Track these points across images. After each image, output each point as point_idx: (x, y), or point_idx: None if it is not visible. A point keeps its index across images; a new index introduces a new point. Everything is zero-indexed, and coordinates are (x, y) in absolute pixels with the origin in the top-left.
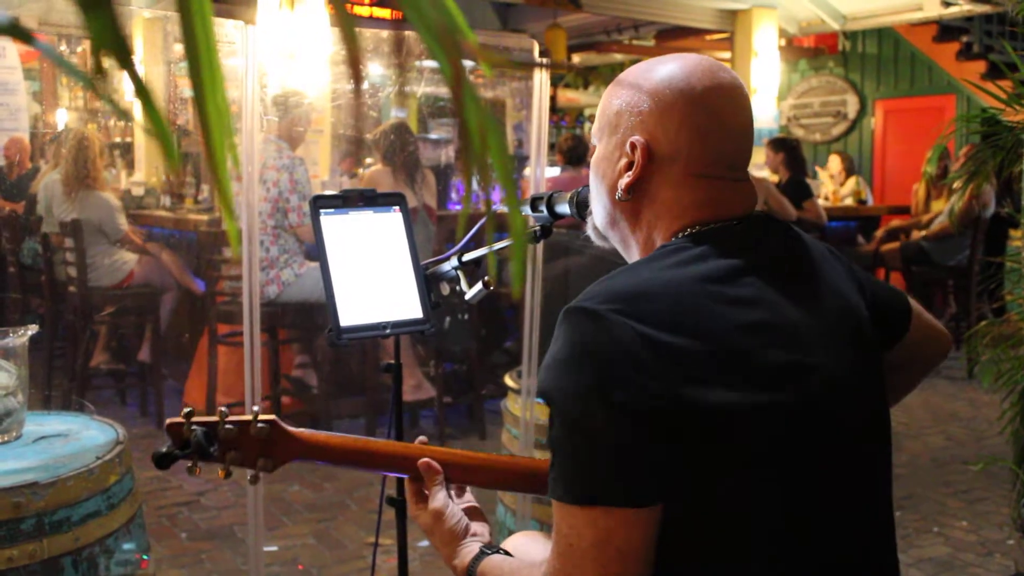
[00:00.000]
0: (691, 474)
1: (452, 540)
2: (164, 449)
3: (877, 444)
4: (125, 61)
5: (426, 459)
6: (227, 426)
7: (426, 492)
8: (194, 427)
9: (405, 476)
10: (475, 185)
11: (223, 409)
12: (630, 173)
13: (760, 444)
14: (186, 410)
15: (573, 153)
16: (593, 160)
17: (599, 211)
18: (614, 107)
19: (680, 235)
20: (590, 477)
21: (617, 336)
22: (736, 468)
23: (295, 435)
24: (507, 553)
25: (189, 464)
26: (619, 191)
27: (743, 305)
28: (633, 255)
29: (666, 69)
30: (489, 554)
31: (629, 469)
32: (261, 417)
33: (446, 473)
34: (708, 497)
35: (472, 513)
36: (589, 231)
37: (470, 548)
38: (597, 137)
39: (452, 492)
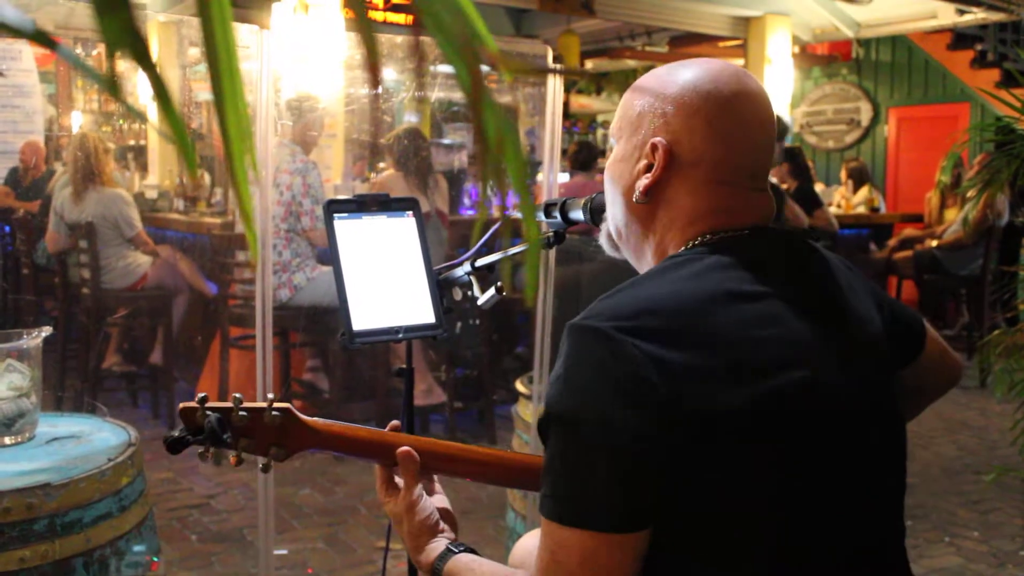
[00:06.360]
0: (690, 494)
1: (421, 533)
2: (176, 433)
3: (891, 458)
4: (144, 61)
5: (406, 448)
6: (241, 413)
7: (397, 481)
8: (208, 412)
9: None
10: (491, 190)
11: (237, 395)
12: (649, 175)
13: (767, 463)
14: (200, 395)
15: (580, 158)
16: (609, 162)
17: (612, 215)
18: (636, 108)
19: (692, 243)
20: (583, 500)
21: (620, 357)
22: (740, 488)
23: (308, 424)
24: (476, 553)
25: (201, 450)
26: (636, 193)
27: (755, 319)
28: (645, 262)
29: (692, 72)
30: (456, 552)
31: (624, 494)
32: (275, 405)
33: (452, 467)
34: (707, 516)
35: (443, 512)
36: (602, 239)
37: (437, 544)
38: (616, 138)
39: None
